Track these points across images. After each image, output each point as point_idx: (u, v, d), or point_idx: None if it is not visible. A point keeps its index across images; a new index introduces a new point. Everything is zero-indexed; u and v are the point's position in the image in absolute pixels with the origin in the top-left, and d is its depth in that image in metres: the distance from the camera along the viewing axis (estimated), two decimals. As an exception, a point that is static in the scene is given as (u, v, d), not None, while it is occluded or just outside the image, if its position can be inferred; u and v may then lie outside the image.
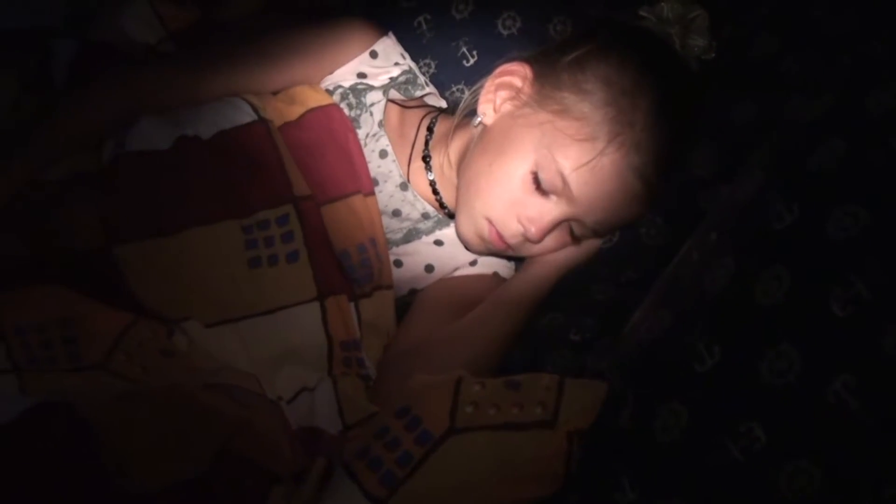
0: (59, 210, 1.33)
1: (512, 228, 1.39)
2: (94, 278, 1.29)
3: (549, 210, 1.37)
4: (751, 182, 1.10)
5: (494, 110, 1.44)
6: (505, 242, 1.41)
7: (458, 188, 1.45)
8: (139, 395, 1.12)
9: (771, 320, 0.96)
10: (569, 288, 1.45)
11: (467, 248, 1.47)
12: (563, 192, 1.36)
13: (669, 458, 0.97)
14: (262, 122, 1.41)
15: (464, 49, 1.63)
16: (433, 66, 1.64)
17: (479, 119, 1.45)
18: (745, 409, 0.94)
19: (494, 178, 1.40)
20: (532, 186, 1.37)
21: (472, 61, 1.63)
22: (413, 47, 1.59)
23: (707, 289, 1.04)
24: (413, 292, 1.51)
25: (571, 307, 1.42)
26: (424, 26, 1.65)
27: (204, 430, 1.09)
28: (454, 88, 1.64)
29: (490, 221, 1.40)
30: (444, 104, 1.56)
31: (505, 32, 1.62)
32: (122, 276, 1.30)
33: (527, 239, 1.40)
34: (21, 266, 1.27)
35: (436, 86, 1.59)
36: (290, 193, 1.37)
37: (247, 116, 1.41)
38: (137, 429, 1.08)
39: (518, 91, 1.42)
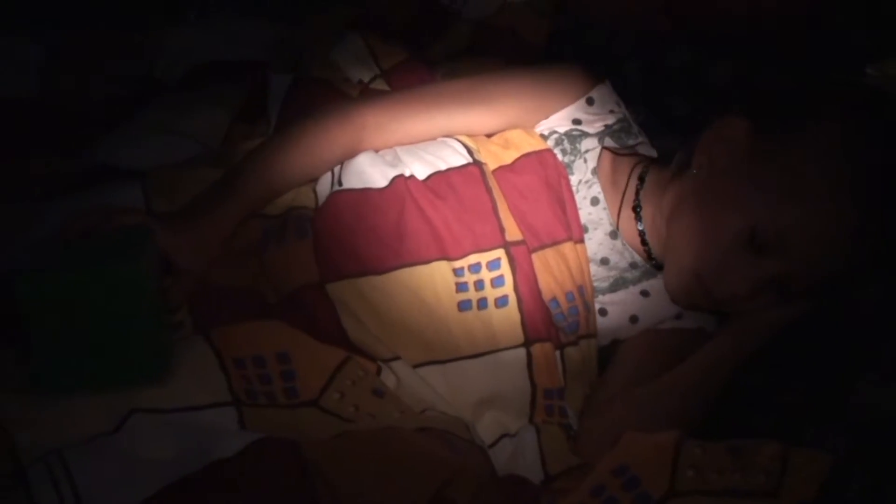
0: (276, 245, 1.35)
1: (722, 285, 1.37)
2: (308, 314, 1.31)
3: (762, 268, 1.35)
4: None
5: (710, 163, 1.41)
6: (714, 299, 1.39)
7: (668, 240, 1.43)
8: (356, 436, 1.13)
9: None
10: (778, 347, 1.41)
11: (674, 301, 1.45)
12: (778, 250, 1.33)
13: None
14: (477, 164, 1.42)
15: (676, 98, 1.62)
16: (643, 113, 1.63)
17: (693, 171, 1.43)
18: None
19: (707, 233, 1.37)
20: (746, 243, 1.34)
21: (683, 111, 1.61)
22: (624, 94, 1.58)
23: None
24: (616, 342, 1.49)
25: (781, 367, 1.38)
26: (636, 74, 1.63)
27: (420, 474, 1.09)
28: (664, 138, 1.62)
29: (700, 277, 1.38)
30: (655, 153, 1.54)
31: (718, 83, 1.60)
32: (334, 313, 1.31)
33: (737, 296, 1.37)
34: (241, 300, 1.30)
35: (645, 134, 1.57)
36: (503, 238, 1.37)
37: (462, 158, 1.42)
38: (354, 470, 1.08)
39: (735, 145, 1.40)
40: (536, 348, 1.35)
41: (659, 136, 1.61)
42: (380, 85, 1.67)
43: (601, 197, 1.47)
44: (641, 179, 1.49)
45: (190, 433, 1.11)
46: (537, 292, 1.37)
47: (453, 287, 1.35)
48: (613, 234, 1.47)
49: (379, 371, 1.30)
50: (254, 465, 1.06)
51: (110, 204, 1.31)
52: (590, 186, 1.47)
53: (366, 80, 1.67)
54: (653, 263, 1.48)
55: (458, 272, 1.35)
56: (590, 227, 1.47)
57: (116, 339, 1.14)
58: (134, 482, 1.05)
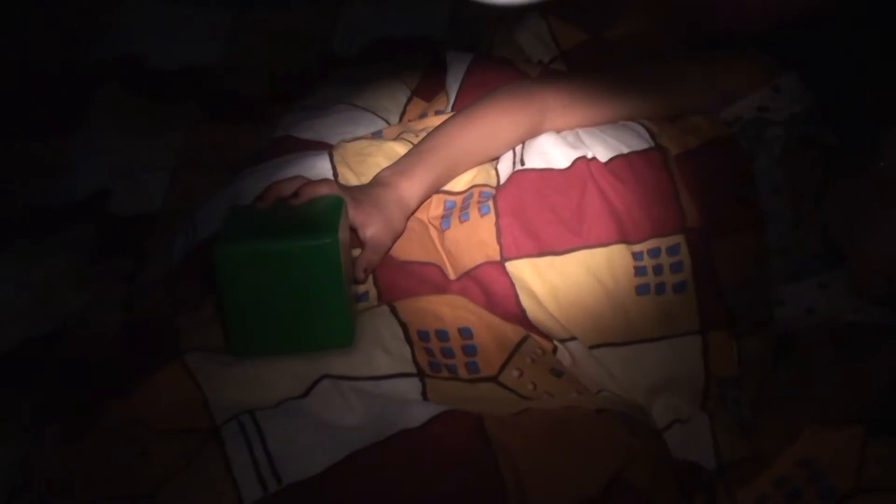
0: (458, 222, 1.37)
1: (911, 281, 1.35)
2: (488, 290, 1.32)
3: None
4: None
5: (898, 156, 1.39)
6: (900, 294, 1.36)
7: (853, 233, 1.41)
8: (536, 413, 1.15)
9: None
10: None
11: (858, 293, 1.42)
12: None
13: None
14: (659, 149, 1.41)
15: (865, 88, 1.58)
16: (827, 103, 1.60)
17: (880, 164, 1.40)
18: None
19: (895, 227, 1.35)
20: (936, 240, 1.32)
21: (872, 101, 1.57)
22: (811, 81, 1.55)
23: None
24: (791, 334, 1.47)
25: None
26: (822, 63, 1.60)
27: (599, 455, 1.10)
28: (851, 128, 1.59)
29: (887, 271, 1.35)
30: (839, 144, 1.52)
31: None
32: (513, 291, 1.33)
33: (925, 292, 1.35)
34: (423, 274, 1.32)
35: (831, 124, 1.55)
36: (683, 224, 1.37)
37: (644, 142, 1.42)
38: (535, 447, 1.10)
39: (925, 140, 1.37)
40: (712, 336, 1.35)
41: (845, 126, 1.58)
42: (559, 66, 1.67)
43: (783, 186, 1.45)
44: (825, 170, 1.47)
45: (376, 401, 1.15)
46: (715, 279, 1.37)
47: (632, 270, 1.35)
48: (794, 225, 1.45)
49: (554, 350, 1.31)
50: (439, 437, 1.08)
51: (303, 174, 1.34)
52: (771, 175, 1.45)
53: (545, 60, 1.67)
54: (833, 255, 1.46)
55: (636, 256, 1.36)
56: (770, 216, 1.45)
57: (308, 308, 1.18)
58: (323, 446, 1.09)
